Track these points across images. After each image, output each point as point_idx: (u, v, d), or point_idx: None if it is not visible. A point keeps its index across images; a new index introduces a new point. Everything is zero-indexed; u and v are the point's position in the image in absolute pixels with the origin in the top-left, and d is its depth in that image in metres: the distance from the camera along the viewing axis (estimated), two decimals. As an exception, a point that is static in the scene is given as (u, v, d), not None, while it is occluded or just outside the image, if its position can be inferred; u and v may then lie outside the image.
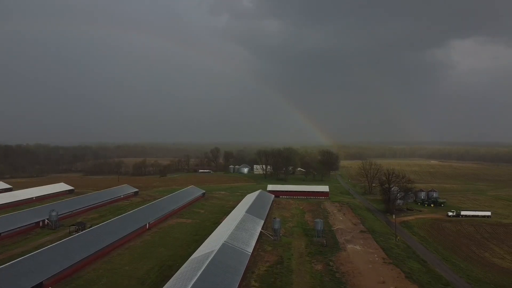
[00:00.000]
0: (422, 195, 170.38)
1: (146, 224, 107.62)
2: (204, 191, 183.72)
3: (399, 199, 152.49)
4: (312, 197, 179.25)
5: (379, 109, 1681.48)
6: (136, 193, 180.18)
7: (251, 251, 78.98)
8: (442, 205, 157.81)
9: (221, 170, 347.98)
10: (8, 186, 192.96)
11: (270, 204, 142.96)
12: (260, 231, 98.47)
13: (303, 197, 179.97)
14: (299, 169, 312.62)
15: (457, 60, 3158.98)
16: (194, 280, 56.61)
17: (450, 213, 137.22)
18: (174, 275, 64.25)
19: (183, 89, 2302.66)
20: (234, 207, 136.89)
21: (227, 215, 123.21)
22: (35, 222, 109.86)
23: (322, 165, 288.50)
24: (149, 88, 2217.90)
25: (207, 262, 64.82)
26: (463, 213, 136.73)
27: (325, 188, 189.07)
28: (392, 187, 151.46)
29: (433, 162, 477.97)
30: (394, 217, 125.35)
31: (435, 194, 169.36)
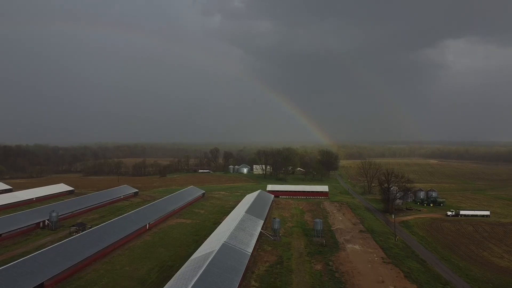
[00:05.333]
0: (421, 194, 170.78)
1: (146, 225, 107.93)
2: (204, 191, 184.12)
3: (398, 198, 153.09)
4: (311, 197, 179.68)
5: (378, 109, 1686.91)
6: (136, 194, 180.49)
7: (251, 251, 79.32)
8: (442, 205, 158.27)
9: (220, 170, 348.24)
10: (8, 187, 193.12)
11: (269, 204, 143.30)
12: (260, 231, 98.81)
13: (302, 197, 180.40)
14: (298, 169, 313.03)
15: (452, 60, 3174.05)
16: (195, 280, 56.93)
17: (449, 213, 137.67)
18: (175, 275, 64.58)
19: (182, 89, 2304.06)
20: (234, 207, 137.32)
21: (227, 215, 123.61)
22: (36, 223, 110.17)
23: (322, 165, 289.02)
24: (148, 89, 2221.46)
25: (207, 262, 65.16)
26: (462, 212, 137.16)
27: (324, 188, 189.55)
28: (391, 187, 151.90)
29: (432, 161, 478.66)
30: (393, 217, 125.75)
31: (434, 194, 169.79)
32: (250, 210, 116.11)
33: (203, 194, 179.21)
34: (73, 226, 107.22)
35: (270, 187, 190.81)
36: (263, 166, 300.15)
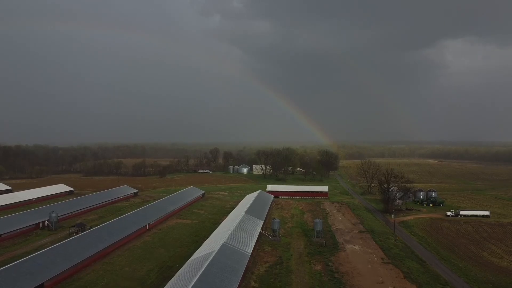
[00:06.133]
0: (421, 194, 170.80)
1: (146, 225, 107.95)
2: (204, 191, 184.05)
3: (398, 199, 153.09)
4: (311, 197, 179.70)
5: (377, 109, 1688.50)
6: (135, 194, 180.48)
7: (250, 252, 79.36)
8: (441, 205, 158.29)
9: (220, 171, 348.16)
10: (8, 187, 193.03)
11: (269, 205, 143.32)
12: (260, 231, 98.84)
13: (302, 197, 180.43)
14: (298, 169, 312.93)
15: (451, 60, 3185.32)
16: (194, 281, 56.97)
17: (449, 213, 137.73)
18: (174, 276, 64.67)
19: (182, 89, 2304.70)
20: (233, 208, 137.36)
21: (227, 215, 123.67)
22: (35, 223, 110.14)
23: (321, 165, 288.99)
24: (147, 89, 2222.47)
25: (207, 263, 65.21)
26: (461, 212, 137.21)
27: (324, 188, 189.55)
28: (391, 187, 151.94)
29: (432, 161, 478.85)
30: (393, 217, 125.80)
31: (434, 194, 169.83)
32: (250, 211, 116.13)
33: (203, 194, 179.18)
34: (73, 226, 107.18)
35: (270, 187, 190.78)
36: (263, 166, 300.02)
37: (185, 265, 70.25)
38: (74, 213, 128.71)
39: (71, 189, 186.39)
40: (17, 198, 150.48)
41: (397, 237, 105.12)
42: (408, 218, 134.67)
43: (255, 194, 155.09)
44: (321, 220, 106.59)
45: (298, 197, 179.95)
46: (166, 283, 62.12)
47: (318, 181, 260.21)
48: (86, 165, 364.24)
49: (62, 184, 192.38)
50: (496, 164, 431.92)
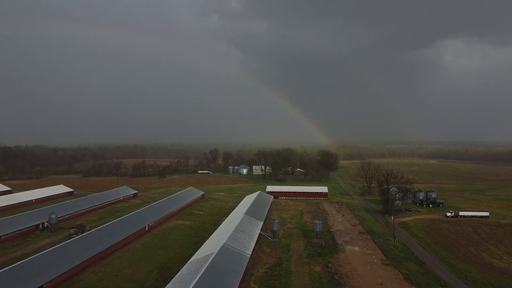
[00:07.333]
0: (421, 195, 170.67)
1: (145, 226, 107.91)
2: (203, 192, 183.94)
3: (398, 199, 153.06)
4: (311, 198, 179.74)
5: (377, 109, 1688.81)
6: (135, 195, 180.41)
7: (250, 253, 79.35)
8: (441, 205, 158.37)
9: (220, 171, 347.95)
10: (7, 188, 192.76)
11: (269, 205, 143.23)
12: (259, 232, 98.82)
13: (302, 198, 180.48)
14: (298, 169, 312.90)
15: (450, 60, 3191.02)
16: (194, 282, 57.00)
17: (448, 214, 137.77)
18: (174, 278, 64.74)
19: (181, 90, 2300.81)
20: (233, 209, 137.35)
21: (226, 216, 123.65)
22: (35, 225, 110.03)
23: (321, 165, 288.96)
24: (146, 89, 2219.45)
25: (207, 264, 65.24)
26: (461, 213, 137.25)
27: (324, 188, 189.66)
28: (390, 188, 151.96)
29: (431, 161, 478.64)
30: (392, 218, 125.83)
31: (433, 195, 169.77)
32: (250, 212, 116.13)
33: (203, 195, 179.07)
34: (73, 228, 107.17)
35: (269, 188, 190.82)
36: (263, 167, 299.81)
37: (184, 267, 70.27)
38: (73, 214, 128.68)
39: (70, 190, 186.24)
40: (17, 199, 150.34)
41: (397, 238, 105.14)
42: (408, 219, 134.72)
43: (254, 195, 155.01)
44: (320, 221, 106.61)
45: (297, 198, 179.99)
46: (166, 284, 62.19)
47: (318, 181, 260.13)
48: (86, 165, 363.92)
49: (61, 185, 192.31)
50: (495, 164, 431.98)
